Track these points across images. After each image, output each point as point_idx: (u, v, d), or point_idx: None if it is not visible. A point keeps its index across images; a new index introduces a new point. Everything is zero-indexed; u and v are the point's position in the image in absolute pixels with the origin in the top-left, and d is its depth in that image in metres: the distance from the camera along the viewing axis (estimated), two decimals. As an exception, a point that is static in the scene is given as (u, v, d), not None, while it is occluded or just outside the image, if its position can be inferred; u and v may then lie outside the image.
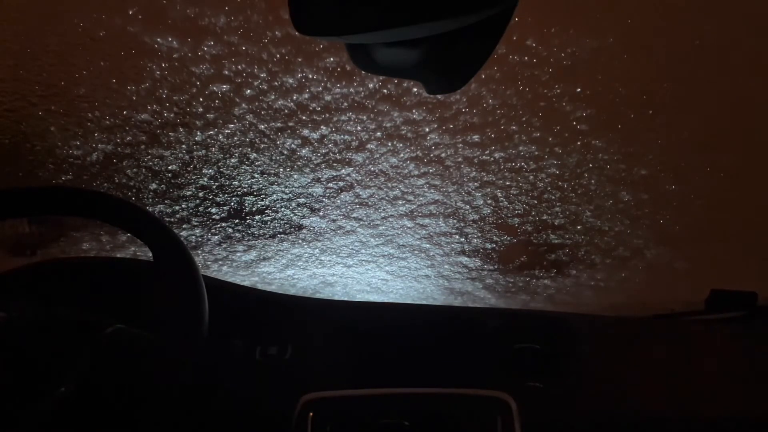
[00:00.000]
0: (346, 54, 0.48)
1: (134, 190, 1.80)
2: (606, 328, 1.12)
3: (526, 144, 1.79)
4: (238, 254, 1.73)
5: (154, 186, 1.81)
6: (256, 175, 1.81)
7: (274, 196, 1.83)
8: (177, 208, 1.86)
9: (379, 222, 1.84)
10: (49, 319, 0.64)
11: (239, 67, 1.53)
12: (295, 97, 1.61)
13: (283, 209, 1.89)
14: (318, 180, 1.77)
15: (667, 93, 1.75)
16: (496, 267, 2.01)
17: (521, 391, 0.96)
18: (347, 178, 1.77)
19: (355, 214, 1.83)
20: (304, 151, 1.72)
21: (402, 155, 1.75)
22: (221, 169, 1.85)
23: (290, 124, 1.66)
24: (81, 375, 0.60)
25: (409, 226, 1.87)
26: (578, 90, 1.71)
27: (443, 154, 1.77)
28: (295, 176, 1.76)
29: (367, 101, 1.63)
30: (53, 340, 0.62)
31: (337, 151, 1.71)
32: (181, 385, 0.73)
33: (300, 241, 1.82)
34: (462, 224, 1.92)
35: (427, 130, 1.71)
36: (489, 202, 1.88)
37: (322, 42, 1.45)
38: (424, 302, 1.85)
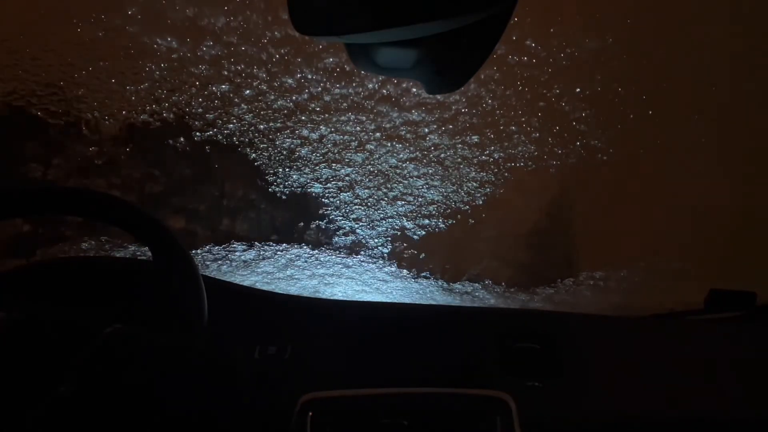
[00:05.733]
0: (345, 54, 0.48)
1: (133, 190, 1.79)
2: (606, 328, 1.12)
3: (525, 144, 1.79)
4: (237, 253, 1.73)
5: (153, 186, 1.81)
6: (255, 175, 1.81)
7: (273, 195, 1.83)
8: (176, 207, 1.86)
9: (378, 222, 1.84)
10: (49, 318, 0.64)
11: (239, 67, 1.53)
12: (294, 98, 1.61)
13: (282, 209, 1.89)
14: (317, 180, 1.77)
15: (667, 93, 1.75)
16: (496, 267, 2.01)
17: (521, 391, 0.95)
18: (346, 178, 1.77)
19: (354, 215, 1.83)
20: (303, 151, 1.72)
21: (401, 156, 1.75)
22: (220, 169, 1.85)
23: (289, 124, 1.66)
24: (80, 375, 0.60)
25: (408, 226, 1.87)
26: (578, 90, 1.71)
27: (443, 155, 1.77)
28: (294, 176, 1.76)
29: (366, 102, 1.63)
30: (53, 339, 0.62)
31: (336, 151, 1.71)
32: (180, 385, 0.72)
33: (299, 241, 1.82)
34: (462, 224, 1.92)
35: (426, 130, 1.72)
36: (489, 202, 1.88)
37: (321, 42, 1.45)
38: (424, 302, 1.85)
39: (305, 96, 1.60)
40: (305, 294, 1.11)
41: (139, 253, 1.59)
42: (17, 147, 1.62)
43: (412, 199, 1.83)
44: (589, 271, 1.90)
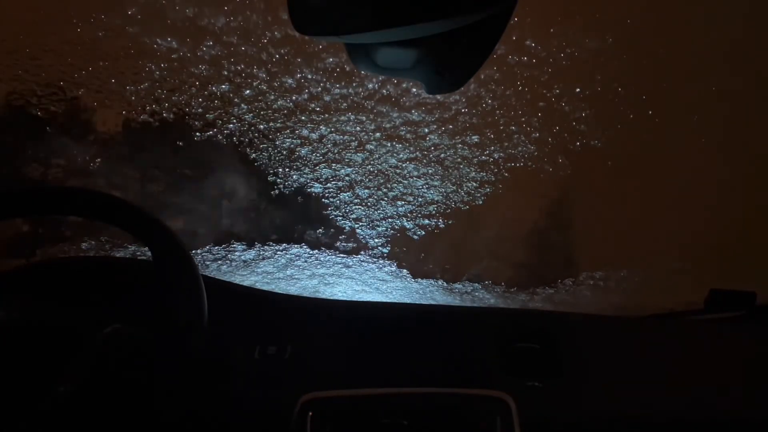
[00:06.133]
0: (345, 54, 0.48)
1: (133, 190, 1.79)
2: (606, 328, 1.12)
3: (525, 144, 1.79)
4: (237, 253, 1.73)
5: (153, 186, 1.81)
6: (255, 175, 1.81)
7: (273, 195, 1.83)
8: (176, 207, 1.86)
9: (378, 222, 1.84)
10: (49, 319, 0.64)
11: (239, 67, 1.53)
12: (294, 98, 1.61)
13: (282, 209, 1.89)
14: (317, 180, 1.77)
15: (667, 93, 1.75)
16: (496, 267, 2.01)
17: (521, 391, 0.95)
18: (346, 178, 1.77)
19: (354, 215, 1.83)
20: (303, 151, 1.72)
21: (401, 156, 1.75)
22: (220, 169, 1.85)
23: (289, 124, 1.66)
24: (80, 375, 0.60)
25: (408, 227, 1.87)
26: (578, 90, 1.71)
27: (443, 155, 1.77)
28: (294, 176, 1.76)
29: (366, 102, 1.63)
30: (53, 339, 0.62)
31: (336, 151, 1.71)
32: (180, 385, 0.73)
33: (299, 241, 1.82)
34: (462, 224, 1.92)
35: (426, 131, 1.71)
36: (489, 202, 1.88)
37: (321, 42, 1.45)
38: (424, 302, 1.85)
39: (305, 96, 1.60)
40: (305, 294, 1.11)
41: (139, 253, 1.59)
42: (17, 147, 1.62)
43: (412, 199, 1.83)
44: (589, 271, 1.90)
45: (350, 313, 1.06)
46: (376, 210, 1.83)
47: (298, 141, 1.69)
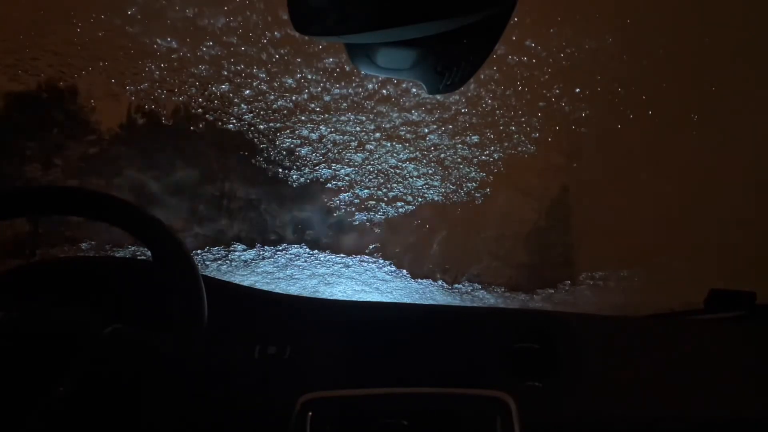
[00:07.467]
0: (345, 55, 0.48)
1: (133, 190, 1.79)
2: (606, 328, 1.12)
3: (525, 144, 1.79)
4: (237, 253, 1.73)
5: (153, 186, 1.81)
6: (255, 175, 1.81)
7: (273, 195, 1.83)
8: (176, 207, 1.86)
9: (378, 222, 1.84)
10: (49, 319, 0.64)
11: (239, 67, 1.53)
12: (294, 98, 1.61)
13: (282, 209, 1.89)
14: (317, 180, 1.77)
15: (667, 93, 1.75)
16: (496, 267, 2.01)
17: (520, 391, 0.95)
18: (346, 178, 1.77)
19: (354, 215, 1.83)
20: (303, 151, 1.72)
21: (401, 156, 1.75)
22: (220, 169, 1.85)
23: (289, 124, 1.66)
24: (80, 375, 0.60)
25: (408, 226, 1.87)
26: (578, 90, 1.71)
27: (442, 155, 1.77)
28: (294, 176, 1.76)
29: (366, 102, 1.63)
30: (52, 340, 0.62)
31: (336, 151, 1.71)
32: (179, 385, 0.73)
33: (299, 241, 1.82)
34: (462, 224, 1.92)
35: (426, 130, 1.72)
36: (489, 202, 1.88)
37: (321, 42, 1.45)
38: (424, 302, 1.85)
39: (305, 96, 1.60)
40: (305, 294, 1.11)
41: (139, 253, 1.59)
42: (17, 147, 1.62)
43: (412, 199, 1.83)
44: (589, 271, 1.90)
45: (350, 313, 1.06)
46: (376, 210, 1.83)
47: (298, 141, 1.69)
